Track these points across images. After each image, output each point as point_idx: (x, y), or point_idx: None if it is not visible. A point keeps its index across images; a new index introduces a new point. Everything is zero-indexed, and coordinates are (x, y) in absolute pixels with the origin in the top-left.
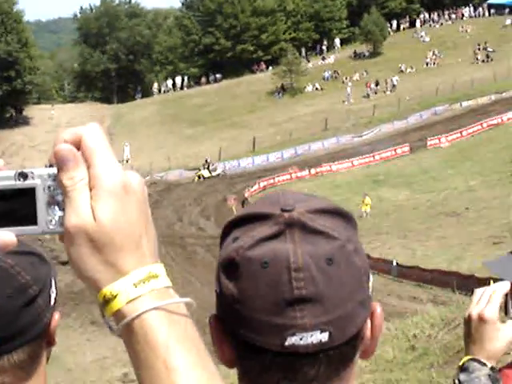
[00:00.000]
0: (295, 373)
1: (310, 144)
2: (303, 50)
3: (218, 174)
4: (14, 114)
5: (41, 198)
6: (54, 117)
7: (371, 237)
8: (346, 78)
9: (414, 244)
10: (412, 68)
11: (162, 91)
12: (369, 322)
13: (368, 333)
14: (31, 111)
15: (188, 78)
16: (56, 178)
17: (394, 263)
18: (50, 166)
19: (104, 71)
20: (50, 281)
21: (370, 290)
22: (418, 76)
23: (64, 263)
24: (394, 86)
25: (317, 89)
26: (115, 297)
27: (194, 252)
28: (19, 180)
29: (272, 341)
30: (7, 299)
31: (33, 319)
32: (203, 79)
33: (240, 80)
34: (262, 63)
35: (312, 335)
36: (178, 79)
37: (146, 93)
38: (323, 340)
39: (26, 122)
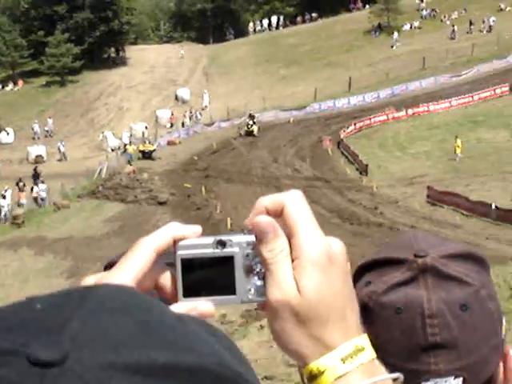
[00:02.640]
0: None
1: (407, 84)
2: None
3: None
4: (111, 54)
5: (239, 267)
6: (150, 57)
7: (470, 179)
8: (445, 17)
9: None
10: None
11: (257, 31)
12: (501, 364)
13: (501, 376)
14: (128, 52)
15: (284, 18)
16: (254, 247)
17: (493, 206)
18: (247, 232)
19: (200, 11)
20: None
21: (503, 334)
22: None
23: (162, 203)
24: (490, 26)
25: (415, 27)
26: (322, 373)
27: None
28: (217, 248)
29: None
30: None
31: None
32: (299, 18)
33: (336, 19)
34: (359, 1)
35: (446, 381)
36: (274, 18)
37: (241, 33)
38: None
39: (123, 62)
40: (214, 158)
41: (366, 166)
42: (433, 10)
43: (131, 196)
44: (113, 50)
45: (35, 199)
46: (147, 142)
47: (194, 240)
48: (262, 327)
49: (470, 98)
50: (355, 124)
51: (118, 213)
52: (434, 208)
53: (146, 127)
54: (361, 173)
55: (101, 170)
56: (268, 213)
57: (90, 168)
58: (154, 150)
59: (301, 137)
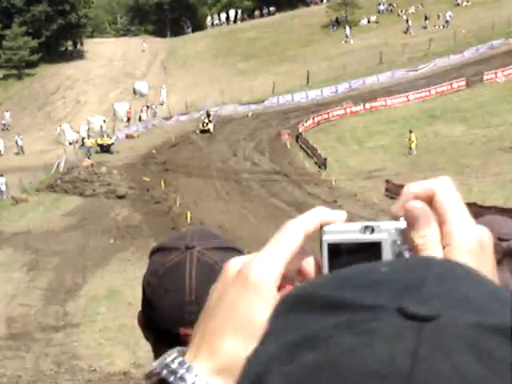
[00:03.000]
0: None
1: (365, 78)
2: None
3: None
4: (68, 47)
5: (387, 253)
6: (108, 51)
7: (427, 172)
8: (402, 11)
9: (471, 180)
10: (468, 1)
11: (215, 24)
12: None
13: None
14: (86, 45)
15: (242, 11)
16: (402, 233)
17: None
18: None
19: (157, 4)
20: None
21: None
22: (474, 9)
23: (120, 197)
24: (447, 21)
25: (372, 22)
26: None
27: (249, 187)
28: (365, 234)
29: None
30: None
31: None
32: (257, 12)
33: (294, 13)
34: None
35: None
36: (232, 12)
37: (199, 27)
38: None
39: (80, 55)
40: (172, 151)
41: (325, 159)
42: (390, 4)
43: (90, 190)
44: (70, 43)
45: None
46: (105, 136)
47: (340, 225)
48: None
49: (427, 93)
50: (313, 118)
51: (77, 206)
52: (393, 201)
53: (104, 121)
54: (319, 166)
55: (59, 163)
56: (417, 199)
57: (48, 162)
58: (112, 144)
59: (259, 131)
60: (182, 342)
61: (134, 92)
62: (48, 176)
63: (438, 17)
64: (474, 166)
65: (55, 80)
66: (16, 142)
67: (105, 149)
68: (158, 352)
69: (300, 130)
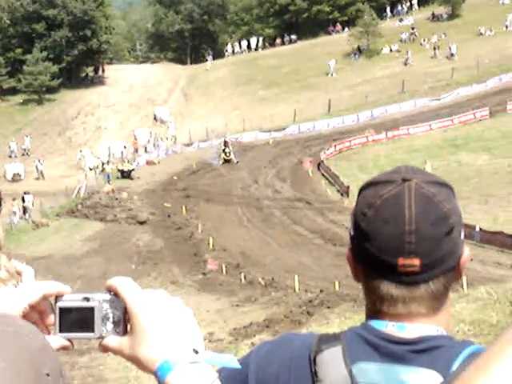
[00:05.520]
0: None
1: (387, 107)
2: (382, 11)
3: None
4: (89, 73)
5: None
6: (128, 77)
7: None
8: (424, 40)
9: (496, 209)
10: (491, 31)
11: (236, 52)
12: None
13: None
14: (106, 71)
15: (263, 39)
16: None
17: (477, 228)
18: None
19: (178, 31)
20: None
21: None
22: (497, 39)
23: (142, 223)
24: (452, 54)
25: (393, 50)
26: None
27: (271, 214)
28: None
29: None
30: (431, 226)
31: (451, 249)
32: (278, 40)
33: (315, 41)
34: (338, 24)
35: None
36: (253, 40)
37: (219, 54)
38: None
39: (101, 81)
40: (193, 178)
41: (347, 187)
42: (412, 33)
43: (111, 215)
44: (91, 68)
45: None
46: (126, 162)
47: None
48: (253, 344)
49: (450, 122)
50: (335, 146)
51: (98, 232)
52: None
53: (125, 146)
54: (342, 194)
55: (79, 188)
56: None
57: (69, 187)
58: (133, 170)
59: (280, 158)
60: (399, 272)
61: (155, 118)
62: (69, 201)
63: (450, 48)
64: (499, 195)
65: (76, 105)
66: (36, 167)
67: (125, 174)
68: (369, 288)
69: (322, 158)
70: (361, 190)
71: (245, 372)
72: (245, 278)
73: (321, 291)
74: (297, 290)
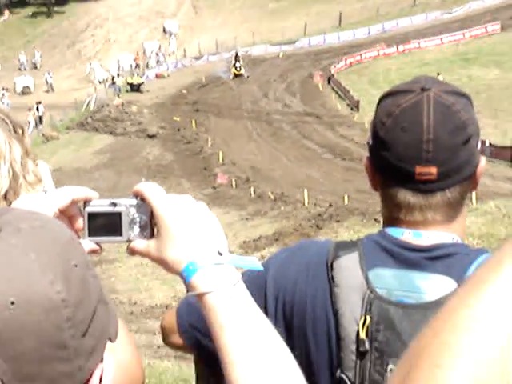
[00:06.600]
0: None
1: (398, 20)
2: None
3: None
4: None
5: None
6: None
7: None
8: None
9: (506, 124)
10: None
11: None
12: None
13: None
14: None
15: None
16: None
17: (487, 143)
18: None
19: None
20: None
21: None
22: None
23: (151, 136)
24: None
25: None
26: None
27: (281, 128)
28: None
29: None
30: (449, 135)
31: (468, 158)
32: None
33: None
34: None
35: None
36: None
37: None
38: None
39: None
40: (203, 91)
41: (358, 101)
42: None
43: (120, 128)
44: None
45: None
46: (135, 75)
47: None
48: (262, 257)
49: (461, 36)
50: (346, 60)
51: (108, 145)
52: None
53: (135, 59)
54: (352, 108)
55: (89, 101)
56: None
57: (78, 100)
58: (143, 83)
59: (291, 72)
60: (416, 180)
61: (164, 31)
62: (78, 114)
63: None
64: (509, 110)
65: (85, 18)
66: (46, 80)
67: (135, 88)
68: (386, 196)
69: (332, 72)
70: (380, 100)
71: (263, 277)
72: (254, 191)
73: (330, 205)
74: (306, 203)
